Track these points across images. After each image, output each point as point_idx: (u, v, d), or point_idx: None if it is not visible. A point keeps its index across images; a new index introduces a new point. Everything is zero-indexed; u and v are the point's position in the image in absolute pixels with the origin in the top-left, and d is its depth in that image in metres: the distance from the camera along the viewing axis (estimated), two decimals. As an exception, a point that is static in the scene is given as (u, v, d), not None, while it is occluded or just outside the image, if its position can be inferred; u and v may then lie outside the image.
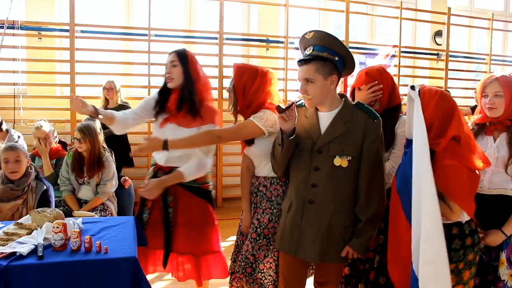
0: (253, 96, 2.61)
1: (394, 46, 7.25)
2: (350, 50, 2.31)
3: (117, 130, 2.89)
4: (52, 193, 3.27)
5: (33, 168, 3.22)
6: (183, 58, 2.79)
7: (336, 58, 2.20)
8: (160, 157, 2.84)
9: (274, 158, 2.39)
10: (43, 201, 3.14)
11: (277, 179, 2.61)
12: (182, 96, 2.78)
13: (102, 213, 3.74)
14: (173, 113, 2.80)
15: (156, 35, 6.36)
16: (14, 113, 5.33)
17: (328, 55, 2.18)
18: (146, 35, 6.30)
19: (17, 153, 3.14)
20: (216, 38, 6.52)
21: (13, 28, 5.80)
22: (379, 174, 2.25)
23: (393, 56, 7.21)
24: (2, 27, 5.74)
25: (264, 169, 2.65)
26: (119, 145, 5.11)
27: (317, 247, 2.25)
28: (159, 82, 6.65)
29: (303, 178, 2.28)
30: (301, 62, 2.22)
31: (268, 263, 2.60)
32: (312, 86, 2.19)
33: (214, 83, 6.62)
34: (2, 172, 3.18)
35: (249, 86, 2.60)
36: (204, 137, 2.65)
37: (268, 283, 2.60)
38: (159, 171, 2.84)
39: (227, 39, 6.58)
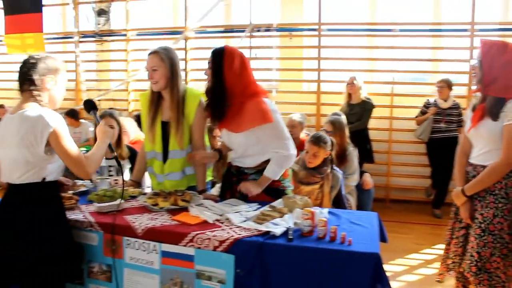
0: (499, 71, 2.39)
1: None
2: None
3: None
4: (342, 181, 3.47)
5: (332, 158, 3.42)
6: (216, 57, 2.68)
7: None
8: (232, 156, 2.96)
9: None
10: (337, 189, 3.38)
11: None
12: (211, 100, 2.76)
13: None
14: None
15: (401, 30, 6.21)
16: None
17: None
18: (390, 30, 6.21)
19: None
20: (466, 30, 6.00)
21: (269, 30, 6.42)
22: None
23: None
24: (260, 30, 6.41)
25: (483, 156, 2.48)
26: (361, 140, 5.17)
27: None
28: (402, 77, 6.53)
29: None
30: None
31: (495, 262, 2.36)
32: None
33: (463, 79, 6.14)
34: (302, 157, 3.48)
35: (496, 61, 2.39)
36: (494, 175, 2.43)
37: (496, 285, 2.35)
38: (232, 168, 2.94)
39: (480, 30, 5.98)
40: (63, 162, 2.27)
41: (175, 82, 2.80)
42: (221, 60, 2.65)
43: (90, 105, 2.59)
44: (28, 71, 2.24)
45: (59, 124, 2.20)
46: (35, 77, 2.23)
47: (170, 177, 2.93)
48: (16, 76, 2.30)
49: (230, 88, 2.67)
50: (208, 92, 2.76)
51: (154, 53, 2.79)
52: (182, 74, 2.82)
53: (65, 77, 2.40)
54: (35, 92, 2.24)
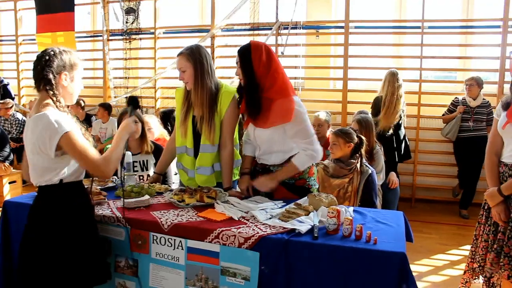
0: None
1: None
2: None
3: None
4: (375, 177, 3.44)
5: (361, 153, 3.42)
6: (244, 54, 2.72)
7: None
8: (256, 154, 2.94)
9: None
10: (367, 184, 3.34)
11: None
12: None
13: (368, 205, 3.80)
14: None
15: (429, 27, 6.12)
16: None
17: None
18: (419, 27, 6.13)
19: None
20: (498, 27, 5.87)
21: (295, 28, 6.40)
22: None
23: None
24: (287, 28, 6.40)
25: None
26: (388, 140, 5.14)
27: None
28: (430, 75, 6.43)
29: None
30: None
31: None
32: None
33: (494, 77, 6.01)
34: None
35: None
36: None
37: None
38: (257, 166, 2.94)
39: (512, 26, 5.83)
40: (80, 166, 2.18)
41: (200, 81, 2.83)
42: (249, 56, 2.68)
43: (134, 102, 2.65)
44: (43, 69, 2.13)
45: (69, 129, 2.08)
46: (50, 76, 2.13)
47: (200, 171, 2.96)
48: None
49: (260, 82, 2.69)
50: (243, 90, 2.79)
51: (180, 54, 2.87)
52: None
53: (81, 71, 2.29)
54: (50, 92, 2.14)
